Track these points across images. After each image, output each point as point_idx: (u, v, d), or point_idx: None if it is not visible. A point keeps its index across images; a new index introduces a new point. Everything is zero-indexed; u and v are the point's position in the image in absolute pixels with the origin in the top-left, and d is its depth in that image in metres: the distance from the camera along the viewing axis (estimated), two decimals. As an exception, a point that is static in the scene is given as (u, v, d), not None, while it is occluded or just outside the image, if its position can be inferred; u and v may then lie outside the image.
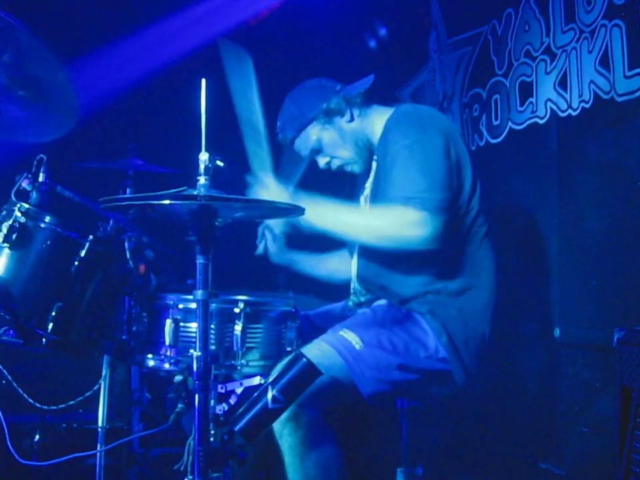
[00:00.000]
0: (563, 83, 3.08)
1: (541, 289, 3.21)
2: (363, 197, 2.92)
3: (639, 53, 2.64)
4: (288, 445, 2.30)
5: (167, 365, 2.29)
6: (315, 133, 2.79)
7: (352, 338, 2.44)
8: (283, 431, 2.29)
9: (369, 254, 2.71)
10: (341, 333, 2.47)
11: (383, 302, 2.70)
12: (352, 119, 2.79)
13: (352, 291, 2.88)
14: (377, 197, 2.68)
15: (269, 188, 2.54)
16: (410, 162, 2.49)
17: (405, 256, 2.55)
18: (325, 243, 2.82)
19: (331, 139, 2.78)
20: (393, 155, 2.55)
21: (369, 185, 2.85)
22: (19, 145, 2.80)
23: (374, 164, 2.76)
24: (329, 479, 2.31)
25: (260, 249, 2.96)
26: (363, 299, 2.80)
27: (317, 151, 2.82)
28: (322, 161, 2.85)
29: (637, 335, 1.71)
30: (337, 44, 4.46)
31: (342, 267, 3.02)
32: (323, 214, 2.49)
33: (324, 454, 2.32)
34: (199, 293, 1.95)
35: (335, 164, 2.84)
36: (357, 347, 2.42)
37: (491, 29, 3.64)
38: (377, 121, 2.79)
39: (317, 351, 2.40)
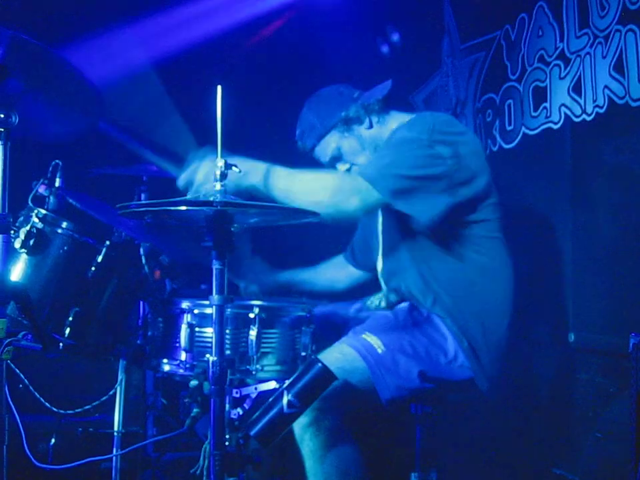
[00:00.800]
0: (577, 88, 3.08)
1: (555, 294, 3.21)
2: None
3: (654, 58, 2.64)
4: (309, 450, 2.31)
5: (182, 370, 2.30)
6: (334, 141, 2.80)
7: (374, 341, 2.45)
8: (304, 435, 2.30)
9: (392, 254, 2.74)
10: (363, 336, 2.47)
11: (404, 304, 2.70)
12: (371, 126, 2.80)
13: (382, 293, 2.88)
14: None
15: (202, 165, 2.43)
16: (393, 147, 2.54)
17: (426, 257, 2.60)
18: (309, 255, 2.84)
19: (350, 147, 2.80)
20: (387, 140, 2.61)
21: None
22: (35, 151, 2.83)
23: None
24: None
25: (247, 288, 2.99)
26: (390, 301, 2.79)
27: (337, 158, 2.83)
28: (342, 168, 2.85)
29: (652, 342, 1.71)
30: (350, 49, 4.46)
31: (340, 275, 3.04)
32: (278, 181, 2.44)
33: (344, 459, 2.33)
34: (215, 298, 1.97)
35: (356, 171, 2.83)
36: (379, 350, 2.42)
37: (504, 33, 3.63)
38: (395, 127, 2.80)
39: (339, 354, 2.41)
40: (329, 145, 2.81)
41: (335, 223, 2.45)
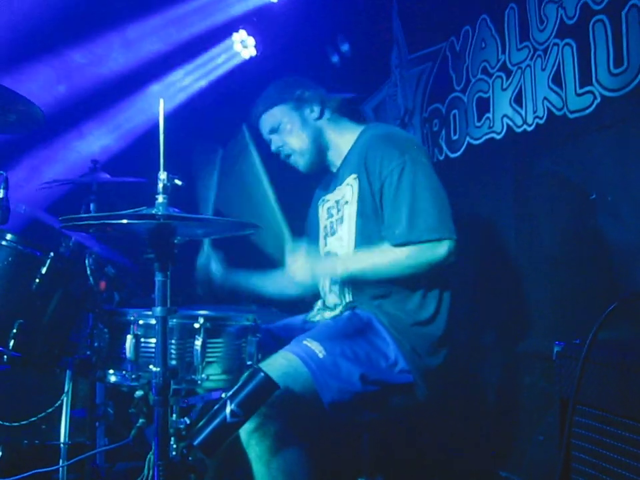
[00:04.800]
0: (518, 99, 3.16)
1: (499, 299, 3.28)
2: (322, 207, 3.00)
3: (589, 72, 2.72)
4: (255, 455, 2.32)
5: (128, 381, 2.30)
6: (280, 113, 2.88)
7: (315, 347, 2.48)
8: (250, 440, 2.31)
9: None
10: (304, 342, 2.50)
11: (345, 313, 2.74)
12: (320, 117, 2.89)
13: (321, 303, 2.93)
14: (369, 217, 2.72)
15: (297, 259, 2.67)
16: (403, 193, 2.59)
17: None
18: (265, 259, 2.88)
19: (292, 124, 2.88)
20: (384, 182, 2.64)
21: (332, 197, 2.92)
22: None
23: (352, 179, 2.79)
24: None
25: (200, 278, 3.00)
26: (330, 311, 2.84)
27: (275, 130, 2.91)
28: (275, 143, 2.93)
29: (573, 348, 1.76)
30: (300, 59, 4.50)
31: (292, 282, 3.06)
32: (356, 263, 2.65)
33: (291, 462, 2.34)
34: (158, 310, 1.97)
35: (285, 150, 2.92)
36: (320, 355, 2.45)
37: (450, 45, 3.71)
38: (345, 134, 2.89)
39: (283, 360, 2.43)
40: (274, 115, 2.89)
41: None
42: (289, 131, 2.88)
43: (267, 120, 2.91)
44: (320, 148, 2.90)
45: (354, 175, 2.78)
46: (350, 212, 2.78)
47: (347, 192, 2.81)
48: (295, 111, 2.88)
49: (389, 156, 2.65)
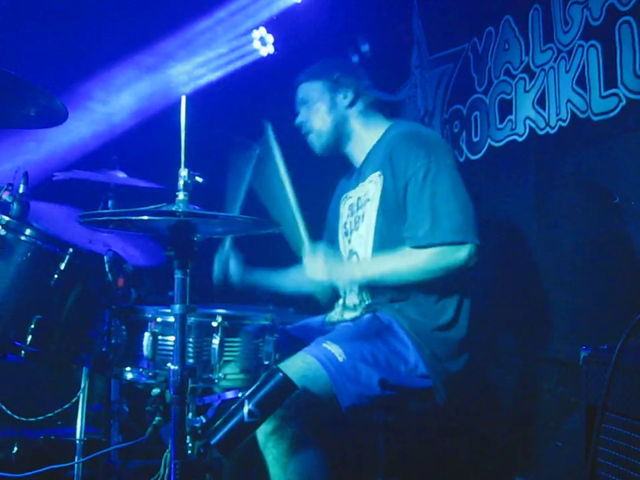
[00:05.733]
0: (541, 102, 3.13)
1: (518, 304, 3.24)
2: (344, 204, 3.00)
3: (614, 74, 2.68)
4: (272, 457, 2.31)
5: (144, 378, 2.29)
6: (315, 89, 2.93)
7: (335, 350, 2.46)
8: (267, 443, 2.30)
9: None
10: (324, 345, 2.49)
11: (365, 316, 2.71)
12: (350, 106, 2.91)
13: (341, 304, 2.90)
14: (391, 216, 2.71)
15: (315, 261, 2.71)
16: (428, 193, 2.59)
17: None
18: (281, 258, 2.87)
19: (321, 103, 2.92)
20: (411, 175, 2.63)
21: (354, 194, 2.91)
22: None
23: (376, 176, 2.78)
24: None
25: (217, 274, 3.00)
26: (350, 312, 2.82)
27: (305, 104, 2.95)
28: (301, 116, 2.98)
29: (601, 354, 1.73)
30: (320, 60, 4.48)
31: (304, 280, 3.05)
32: (375, 268, 2.66)
33: (308, 465, 2.32)
34: (177, 307, 1.97)
35: (306, 127, 2.96)
36: (340, 359, 2.43)
37: (472, 46, 3.68)
38: (372, 129, 2.91)
39: (302, 362, 2.42)
40: (310, 88, 2.94)
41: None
42: (316, 109, 2.92)
43: (303, 90, 2.97)
44: (340, 135, 2.92)
45: (378, 172, 2.76)
46: (371, 209, 2.77)
47: (370, 189, 2.79)
48: (329, 92, 2.92)
49: (415, 155, 2.64)
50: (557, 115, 3.02)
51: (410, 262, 2.58)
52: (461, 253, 2.52)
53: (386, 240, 2.70)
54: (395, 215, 2.67)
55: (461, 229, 2.53)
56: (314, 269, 2.69)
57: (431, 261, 2.54)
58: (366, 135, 2.91)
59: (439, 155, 2.66)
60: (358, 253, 2.83)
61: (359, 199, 2.87)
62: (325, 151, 2.95)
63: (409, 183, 2.62)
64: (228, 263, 2.99)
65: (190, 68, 4.63)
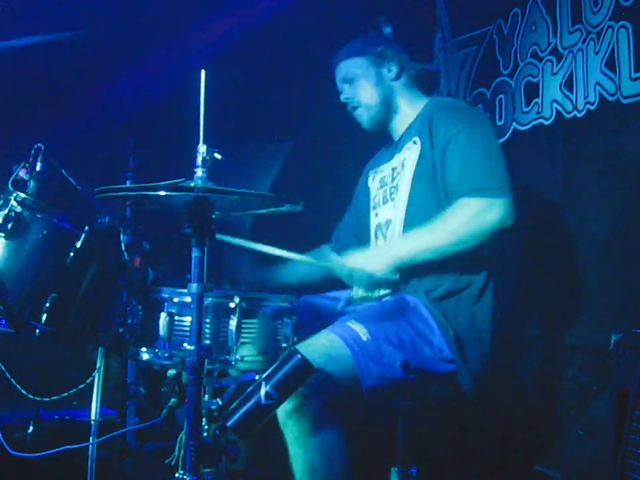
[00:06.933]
0: (569, 84, 3.07)
1: (542, 291, 3.19)
2: (373, 179, 2.99)
3: (646, 55, 2.62)
4: (292, 435, 2.28)
5: (160, 359, 2.26)
6: (358, 66, 2.90)
7: (359, 329, 2.42)
8: (288, 421, 2.27)
9: None
10: (348, 323, 2.45)
11: (391, 296, 2.67)
12: (396, 78, 2.90)
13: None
14: (426, 180, 2.67)
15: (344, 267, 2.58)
16: (469, 149, 2.56)
17: None
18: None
19: (367, 78, 2.89)
20: (450, 137, 2.60)
21: (387, 166, 2.89)
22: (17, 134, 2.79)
23: (413, 144, 2.75)
24: (333, 469, 2.29)
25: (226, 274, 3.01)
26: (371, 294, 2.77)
27: (348, 81, 2.92)
28: (345, 93, 2.94)
29: (634, 338, 1.68)
30: (342, 41, 4.42)
31: (310, 271, 3.01)
32: (402, 249, 2.57)
33: (328, 445, 2.29)
34: (194, 287, 1.93)
35: (353, 102, 2.92)
36: (364, 338, 2.40)
37: (497, 28, 3.61)
38: (414, 103, 2.90)
39: (325, 341, 2.38)
40: (352, 65, 2.91)
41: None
42: (362, 84, 2.89)
43: (344, 68, 2.92)
44: (388, 108, 2.90)
45: (415, 138, 2.74)
46: (407, 176, 2.73)
47: (406, 155, 2.76)
48: (373, 66, 2.89)
49: (455, 119, 2.64)
50: (585, 97, 2.95)
51: (441, 230, 2.50)
52: (497, 209, 2.44)
53: (421, 205, 2.66)
54: (430, 179, 2.64)
55: (497, 183, 2.48)
56: (356, 264, 2.55)
57: (463, 223, 2.46)
58: (409, 109, 2.90)
59: (479, 122, 2.66)
60: (393, 219, 2.77)
61: (393, 169, 2.84)
62: (373, 125, 2.93)
63: (450, 142, 2.59)
64: (237, 263, 3.00)
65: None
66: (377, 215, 2.90)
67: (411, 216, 2.68)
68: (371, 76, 2.88)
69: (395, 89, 2.90)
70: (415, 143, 2.73)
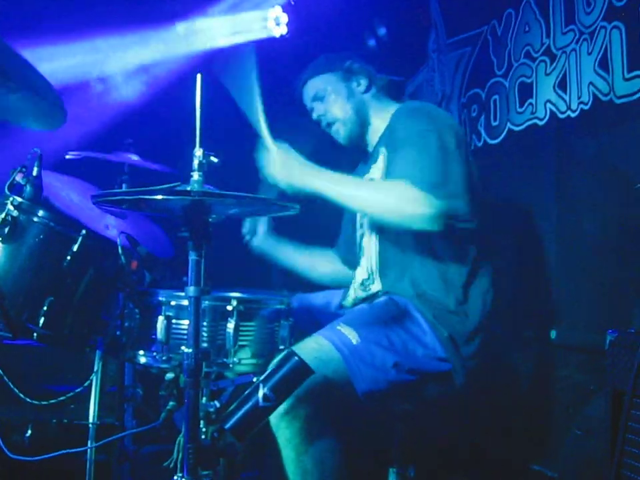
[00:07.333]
0: (562, 85, 3.07)
1: (536, 290, 3.20)
2: None
3: (638, 55, 2.63)
4: (284, 438, 2.29)
5: (158, 362, 2.27)
6: (327, 82, 2.91)
7: (349, 332, 2.43)
8: (280, 423, 2.28)
9: (388, 245, 2.73)
10: (338, 327, 2.45)
11: (381, 299, 2.68)
12: (366, 91, 2.91)
13: (355, 286, 2.87)
14: None
15: (272, 152, 2.59)
16: (420, 147, 2.53)
17: (421, 250, 2.61)
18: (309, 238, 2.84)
19: (338, 94, 2.89)
20: (404, 139, 2.59)
21: (367, 177, 2.86)
22: (14, 139, 2.79)
23: (381, 155, 2.76)
24: (325, 472, 2.30)
25: (246, 230, 3.06)
26: (363, 295, 2.78)
27: (319, 98, 2.91)
28: (317, 111, 2.93)
29: (629, 338, 1.69)
30: (336, 43, 4.43)
31: (321, 264, 3.04)
32: (326, 182, 2.52)
33: (320, 448, 2.30)
34: (191, 290, 1.94)
35: (326, 119, 2.92)
36: (354, 341, 2.40)
37: (491, 29, 3.62)
38: (384, 114, 2.86)
39: (315, 344, 2.39)
40: (320, 83, 2.92)
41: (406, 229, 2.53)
42: (334, 100, 2.88)
43: (312, 86, 2.92)
44: (362, 121, 2.90)
45: (382, 149, 2.75)
46: None
47: (378, 166, 2.77)
48: (343, 81, 2.89)
49: (412, 122, 2.64)
50: (579, 97, 2.96)
51: (368, 192, 2.54)
52: (428, 207, 2.40)
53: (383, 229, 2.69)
54: None
55: (443, 185, 2.45)
56: (268, 162, 2.59)
57: (395, 198, 2.45)
58: (379, 121, 2.89)
59: (438, 125, 2.60)
60: (368, 231, 2.81)
61: (371, 180, 2.83)
62: (351, 140, 2.93)
63: (405, 143, 2.56)
64: (258, 223, 3.03)
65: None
66: (361, 225, 2.92)
67: (383, 226, 2.71)
68: (342, 90, 2.88)
69: (366, 102, 2.91)
70: (381, 153, 2.74)
